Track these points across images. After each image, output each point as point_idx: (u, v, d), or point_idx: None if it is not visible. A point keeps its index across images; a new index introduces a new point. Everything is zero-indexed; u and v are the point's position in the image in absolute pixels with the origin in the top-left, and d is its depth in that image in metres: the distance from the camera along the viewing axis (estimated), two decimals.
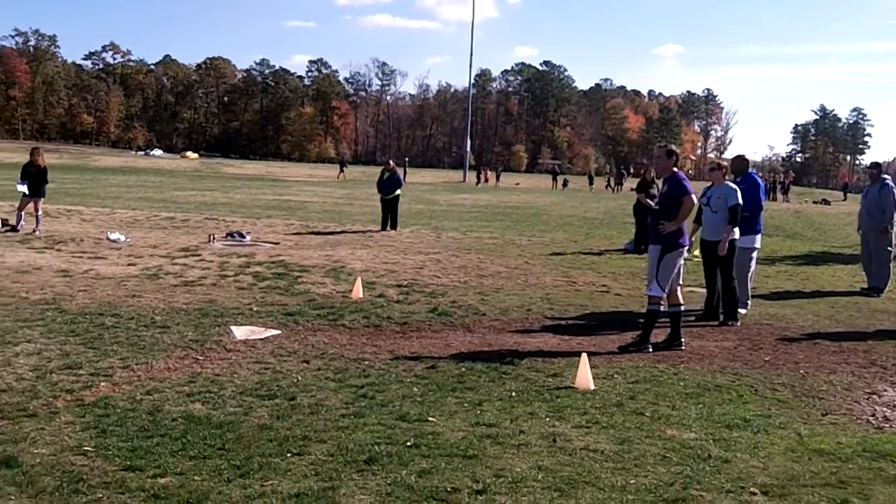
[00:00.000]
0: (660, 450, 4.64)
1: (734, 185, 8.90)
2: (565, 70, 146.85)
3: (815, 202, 51.54)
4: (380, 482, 4.02)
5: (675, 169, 7.70)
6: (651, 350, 7.27)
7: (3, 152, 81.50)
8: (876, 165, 12.83)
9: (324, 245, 14.92)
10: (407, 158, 73.87)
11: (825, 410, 5.64)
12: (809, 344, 7.90)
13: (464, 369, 6.35)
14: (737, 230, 8.91)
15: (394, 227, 18.49)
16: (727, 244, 8.70)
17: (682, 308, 7.62)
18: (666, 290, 7.38)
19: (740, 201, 8.73)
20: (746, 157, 10.39)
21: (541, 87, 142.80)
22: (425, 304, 9.22)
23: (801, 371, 6.72)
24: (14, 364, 6.02)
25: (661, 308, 7.42)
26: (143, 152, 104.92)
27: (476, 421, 5.05)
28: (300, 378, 5.93)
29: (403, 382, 5.92)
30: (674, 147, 8.05)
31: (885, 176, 12.20)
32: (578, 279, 11.85)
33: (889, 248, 11.91)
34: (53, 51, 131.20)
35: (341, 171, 61.96)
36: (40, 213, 15.62)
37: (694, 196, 7.54)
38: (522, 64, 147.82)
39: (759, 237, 9.67)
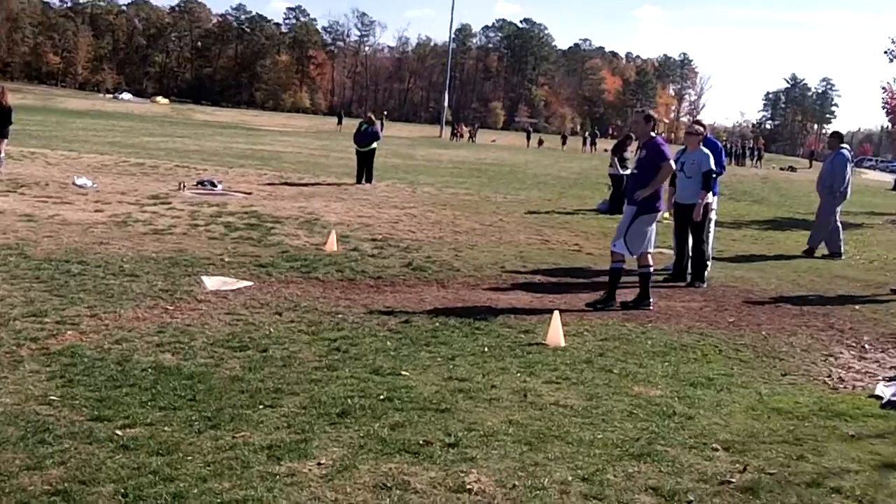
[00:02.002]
0: (627, 406, 4.72)
1: (707, 151, 8.95)
2: (545, 28, 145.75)
3: (781, 168, 52.09)
4: (352, 435, 4.04)
5: (653, 134, 7.72)
6: (618, 307, 7.36)
7: None
8: (835, 134, 13.09)
9: (297, 196, 14.81)
10: (385, 112, 73.12)
11: (784, 371, 5.77)
12: (772, 307, 8.06)
13: (437, 324, 6.38)
14: (710, 194, 8.99)
15: (369, 180, 18.37)
16: (702, 209, 8.78)
17: (652, 270, 7.70)
18: (635, 252, 7.45)
19: (713, 167, 8.83)
20: (703, 122, 10.56)
21: (520, 45, 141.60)
22: (400, 259, 9.22)
23: (763, 332, 6.85)
24: None
25: (624, 266, 7.52)
26: (111, 95, 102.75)
27: (449, 375, 5.09)
28: (272, 330, 5.92)
29: (377, 336, 5.94)
30: (651, 112, 8.06)
31: (843, 146, 12.50)
32: (552, 238, 11.91)
33: (832, 215, 12.20)
34: None
35: (339, 123, 61.25)
36: (2, 154, 15.16)
37: (672, 162, 7.58)
38: (503, 21, 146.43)
39: (715, 199, 9.71)
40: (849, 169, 12.33)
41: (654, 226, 7.60)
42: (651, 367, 5.58)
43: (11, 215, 10.33)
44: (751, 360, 5.98)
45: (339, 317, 6.46)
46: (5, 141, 15.33)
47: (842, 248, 12.10)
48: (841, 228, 12.27)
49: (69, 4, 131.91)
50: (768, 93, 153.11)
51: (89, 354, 5.06)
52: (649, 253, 7.61)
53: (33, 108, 52.27)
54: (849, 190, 12.38)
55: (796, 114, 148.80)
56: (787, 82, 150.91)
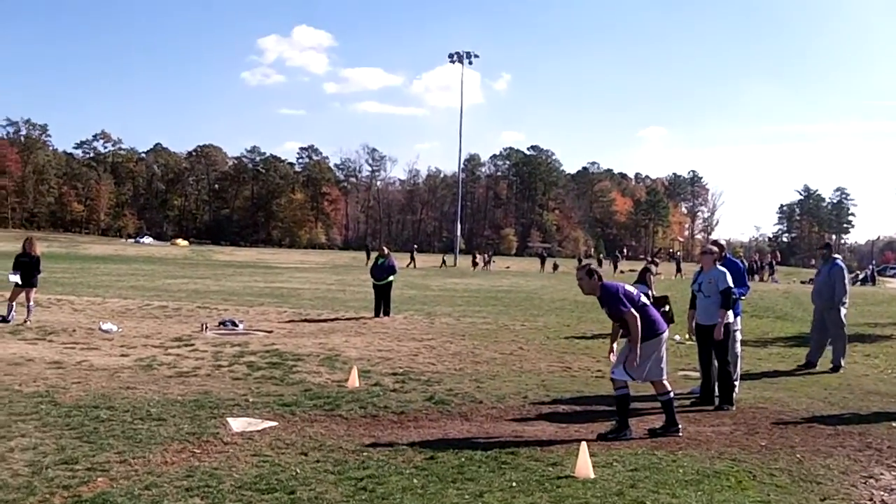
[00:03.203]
0: None
1: (724, 269, 9.04)
2: (552, 154, 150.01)
3: (802, 282, 51.96)
4: None
5: (603, 284, 7.46)
6: (646, 434, 7.27)
7: None
8: (826, 246, 13.37)
9: (317, 333, 14.94)
10: (416, 245, 73.43)
11: (823, 496, 5.64)
12: (805, 427, 7.92)
13: (463, 459, 6.34)
14: (730, 313, 9.01)
15: (387, 313, 18.53)
16: (722, 328, 8.79)
17: (672, 395, 7.59)
18: (638, 378, 7.32)
19: (731, 284, 8.88)
20: (720, 241, 10.69)
21: (529, 171, 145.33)
22: (422, 393, 9.22)
23: (798, 455, 6.73)
24: (9, 459, 5.97)
25: (629, 392, 7.43)
26: (133, 240, 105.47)
27: None
28: (299, 471, 5.91)
29: (403, 474, 5.89)
30: (594, 266, 7.77)
31: (836, 256, 12.77)
32: (573, 364, 11.88)
33: (840, 326, 12.26)
34: (44, 139, 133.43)
35: (368, 256, 61.96)
36: (32, 303, 15.56)
37: (633, 310, 7.27)
38: (510, 149, 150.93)
39: (738, 318, 9.68)
40: (847, 279, 12.53)
41: (661, 350, 7.47)
42: (684, 498, 5.48)
43: (41, 363, 10.50)
44: (787, 486, 5.86)
45: (364, 455, 6.44)
46: (34, 290, 15.76)
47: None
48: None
49: (91, 154, 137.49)
50: (782, 205, 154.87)
51: (120, 501, 5.08)
52: (664, 380, 7.52)
53: (59, 256, 53.65)
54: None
55: (812, 225, 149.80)
56: (801, 194, 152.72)
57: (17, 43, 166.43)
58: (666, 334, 7.58)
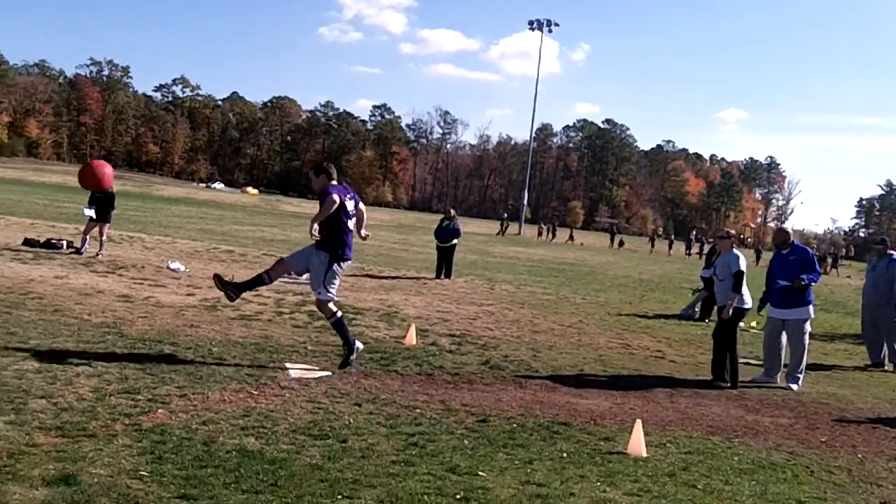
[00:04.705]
0: None
1: (738, 253, 9.24)
2: (627, 129, 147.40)
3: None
4: None
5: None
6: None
7: (70, 176, 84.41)
8: (882, 241, 12.78)
9: (378, 289, 15.07)
10: (505, 213, 72.39)
11: (884, 499, 5.45)
12: (868, 427, 7.66)
13: (515, 425, 6.32)
14: (746, 296, 9.13)
15: (448, 275, 18.56)
16: (732, 309, 8.97)
17: None
18: None
19: (742, 268, 9.05)
20: (786, 228, 10.63)
21: (601, 145, 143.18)
22: (477, 356, 9.23)
23: (860, 455, 6.52)
24: (75, 384, 6.19)
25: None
26: (204, 185, 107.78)
27: (526, 479, 5.01)
28: (352, 421, 5.97)
29: (454, 434, 5.91)
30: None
31: (892, 252, 12.23)
32: (633, 342, 11.72)
33: (893, 322, 11.88)
34: (126, 81, 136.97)
35: (502, 227, 61.44)
36: (105, 237, 16.03)
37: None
38: (584, 121, 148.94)
39: (811, 308, 9.58)
40: None
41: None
42: (737, 485, 5.36)
43: (110, 295, 10.83)
44: (845, 485, 5.69)
45: (416, 411, 6.47)
46: (108, 225, 16.24)
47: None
48: None
49: (169, 98, 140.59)
50: (862, 199, 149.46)
51: (178, 433, 5.20)
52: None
53: (133, 194, 55.25)
54: None
55: (892, 221, 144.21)
56: (882, 189, 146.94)
57: None
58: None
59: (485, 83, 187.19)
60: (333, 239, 7.76)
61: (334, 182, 7.88)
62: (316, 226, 7.58)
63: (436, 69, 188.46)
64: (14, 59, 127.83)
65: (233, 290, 8.07)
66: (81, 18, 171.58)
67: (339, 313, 7.95)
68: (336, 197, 7.62)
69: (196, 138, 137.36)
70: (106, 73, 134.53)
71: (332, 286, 7.79)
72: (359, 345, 7.92)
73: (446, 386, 7.63)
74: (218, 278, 8.11)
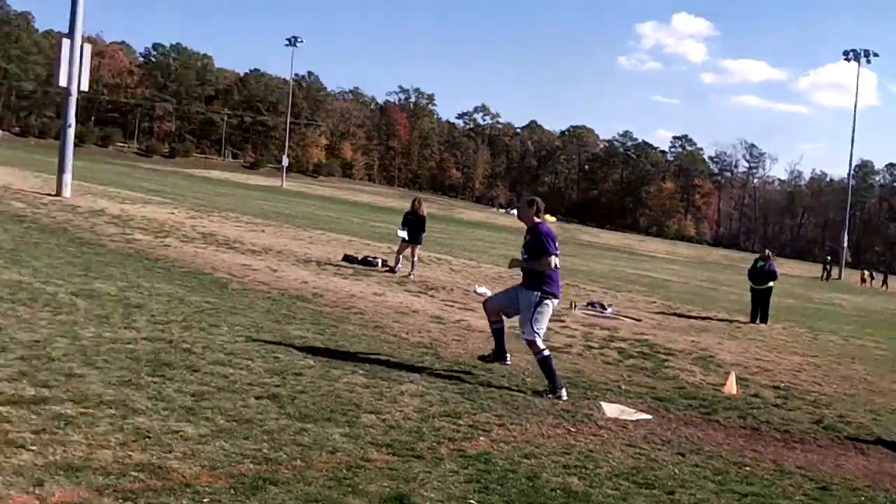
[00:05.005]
0: None
1: None
2: None
3: None
4: None
5: None
6: None
7: (380, 196, 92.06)
8: None
9: (688, 329, 14.29)
10: (828, 256, 66.29)
11: None
12: None
13: (863, 498, 5.49)
14: None
15: (764, 320, 17.15)
16: None
17: None
18: None
19: None
20: None
21: None
22: (807, 413, 8.27)
23: None
24: (399, 402, 6.38)
25: None
26: (504, 210, 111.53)
27: None
28: (677, 472, 5.55)
29: (792, 499, 5.27)
30: None
31: None
32: None
33: None
34: (430, 108, 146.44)
35: (825, 270, 58.03)
36: (416, 258, 16.91)
37: None
38: None
39: None
40: None
41: None
42: None
43: (424, 315, 11.35)
44: None
45: (746, 469, 5.88)
46: (419, 246, 17.18)
47: None
48: None
49: (471, 126, 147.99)
50: None
51: (501, 464, 5.15)
52: None
53: (437, 217, 58.51)
54: None
55: None
56: None
57: (413, 21, 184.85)
58: None
59: (793, 115, 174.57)
60: (541, 277, 7.59)
61: (540, 219, 7.93)
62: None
63: (739, 100, 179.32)
64: (331, 85, 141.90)
65: (498, 360, 8.15)
66: (392, 49, 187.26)
67: (547, 351, 7.64)
68: (553, 259, 7.62)
69: (496, 164, 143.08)
70: (413, 100, 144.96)
71: (540, 325, 7.56)
72: (563, 394, 7.36)
73: (775, 443, 6.88)
74: (482, 359, 8.28)
